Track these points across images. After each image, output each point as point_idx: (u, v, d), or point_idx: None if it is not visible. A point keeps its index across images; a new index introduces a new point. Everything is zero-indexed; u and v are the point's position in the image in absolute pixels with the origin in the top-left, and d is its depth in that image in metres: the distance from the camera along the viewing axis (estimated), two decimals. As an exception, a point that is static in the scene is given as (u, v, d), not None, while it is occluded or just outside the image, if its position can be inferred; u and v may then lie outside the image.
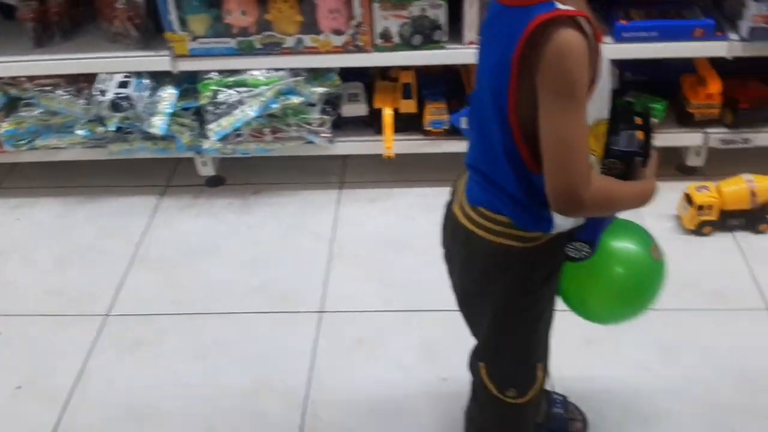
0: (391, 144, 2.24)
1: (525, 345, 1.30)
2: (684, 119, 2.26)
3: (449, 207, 1.26)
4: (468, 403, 1.45)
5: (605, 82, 1.05)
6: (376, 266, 2.10)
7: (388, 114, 2.24)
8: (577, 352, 1.80)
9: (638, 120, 1.16)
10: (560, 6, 0.96)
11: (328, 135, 2.26)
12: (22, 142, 2.27)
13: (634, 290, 1.31)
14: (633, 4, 2.12)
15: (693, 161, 2.32)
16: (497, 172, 1.10)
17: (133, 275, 2.13)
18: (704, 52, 2.07)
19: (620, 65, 2.32)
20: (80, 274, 2.14)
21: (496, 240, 1.16)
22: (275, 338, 1.90)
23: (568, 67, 0.96)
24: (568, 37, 0.95)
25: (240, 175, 2.47)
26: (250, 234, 2.27)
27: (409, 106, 2.25)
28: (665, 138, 2.23)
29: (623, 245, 1.28)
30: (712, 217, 2.11)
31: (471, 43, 2.07)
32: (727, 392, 1.70)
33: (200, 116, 2.23)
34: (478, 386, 1.36)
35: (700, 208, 2.09)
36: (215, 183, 2.46)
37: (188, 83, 2.21)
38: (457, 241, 1.22)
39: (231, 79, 2.14)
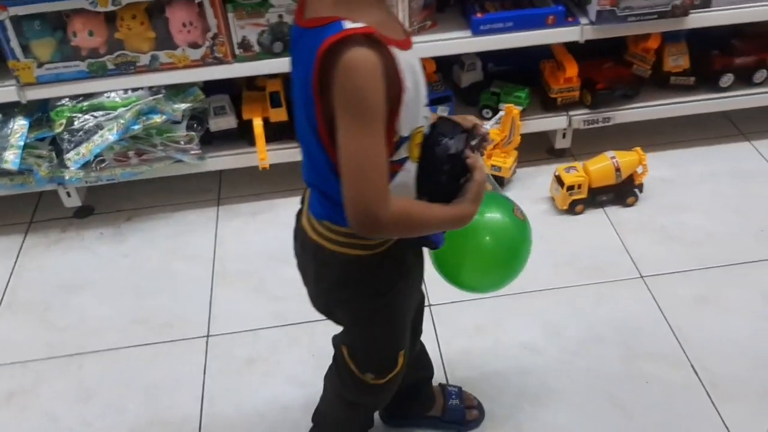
0: (264, 155, 2.19)
1: (385, 338, 1.31)
2: (547, 104, 2.34)
3: (299, 218, 1.25)
4: (329, 368, 1.44)
5: (417, 92, 1.04)
6: (261, 281, 2.05)
7: (258, 124, 2.19)
8: (468, 341, 1.82)
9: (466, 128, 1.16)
10: (349, 25, 0.95)
11: (197, 152, 2.19)
12: None
13: (506, 254, 1.37)
14: (487, -3, 2.17)
15: (560, 143, 2.41)
16: (328, 187, 1.09)
17: (1, 322, 1.98)
18: (558, 38, 2.15)
19: (483, 58, 2.38)
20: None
21: (344, 251, 1.16)
22: (162, 370, 1.82)
23: (358, 85, 0.95)
24: (356, 55, 0.94)
25: (110, 203, 2.35)
26: (126, 263, 2.16)
27: (279, 115, 2.21)
28: (533, 124, 2.30)
29: (487, 214, 1.33)
30: (582, 195, 2.19)
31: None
32: (612, 362, 1.77)
33: (57, 146, 2.10)
34: (339, 361, 1.37)
35: (570, 188, 2.17)
36: (84, 213, 2.33)
37: (41, 112, 2.08)
38: (308, 253, 1.22)
39: (86, 103, 2.03)
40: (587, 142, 2.41)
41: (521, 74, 2.37)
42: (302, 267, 1.29)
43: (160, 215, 2.32)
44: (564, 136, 2.39)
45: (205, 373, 1.80)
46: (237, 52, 2.02)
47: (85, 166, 2.06)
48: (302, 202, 1.25)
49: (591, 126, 2.35)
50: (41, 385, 1.81)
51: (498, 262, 1.37)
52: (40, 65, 1.96)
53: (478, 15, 2.09)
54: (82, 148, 2.01)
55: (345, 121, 0.98)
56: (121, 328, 1.94)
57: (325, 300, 1.29)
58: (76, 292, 2.06)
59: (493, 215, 1.36)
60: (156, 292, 2.04)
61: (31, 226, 2.30)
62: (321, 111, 1.00)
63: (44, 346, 1.91)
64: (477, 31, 2.10)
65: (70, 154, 2.02)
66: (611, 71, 2.31)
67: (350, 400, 1.41)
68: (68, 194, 2.25)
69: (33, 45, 1.93)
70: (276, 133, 2.24)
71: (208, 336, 1.89)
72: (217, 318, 1.95)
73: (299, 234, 1.25)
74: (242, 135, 2.26)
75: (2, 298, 2.06)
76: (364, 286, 1.20)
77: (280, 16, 1.97)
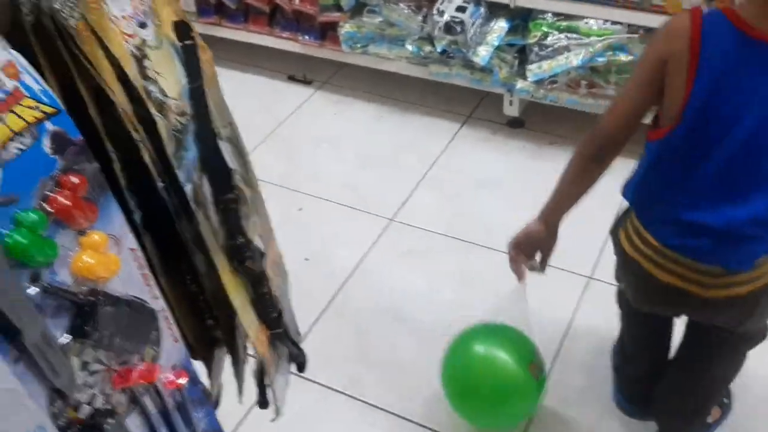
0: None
1: None
2: None
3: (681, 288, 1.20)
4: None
5: None
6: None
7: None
8: None
9: None
10: None
11: (647, 102, 2.14)
12: (358, 45, 2.46)
13: (501, 410, 1.45)
14: None
15: None
16: None
17: (420, 191, 2.25)
18: None
19: None
20: (376, 177, 2.31)
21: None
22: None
23: None
24: None
25: (541, 121, 2.46)
26: (537, 181, 2.25)
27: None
28: None
29: (499, 364, 1.41)
30: None
31: None
32: None
33: (522, 54, 2.23)
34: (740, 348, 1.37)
35: None
36: (515, 125, 2.47)
37: (521, 19, 2.22)
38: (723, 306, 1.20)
39: (564, 23, 2.10)
40: None
41: None
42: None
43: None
44: None
45: (577, 308, 1.84)
46: None
47: (540, 82, 2.16)
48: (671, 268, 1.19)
49: None
50: (432, 256, 2.03)
51: (490, 414, 1.45)
52: (541, -23, 2.07)
53: None
54: (545, 64, 2.11)
55: None
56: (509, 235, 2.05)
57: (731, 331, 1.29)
58: (485, 188, 2.24)
59: (505, 367, 1.39)
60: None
61: (469, 120, 2.53)
62: None
63: (445, 225, 2.13)
64: None
65: (533, 66, 2.13)
66: None
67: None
68: (510, 103, 2.40)
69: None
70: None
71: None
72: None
73: (694, 300, 1.21)
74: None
75: (427, 172, 2.32)
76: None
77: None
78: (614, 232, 1.30)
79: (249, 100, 2.65)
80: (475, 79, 2.34)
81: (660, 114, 1.11)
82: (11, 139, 0.61)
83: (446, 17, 2.18)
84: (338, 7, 2.44)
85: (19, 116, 0.61)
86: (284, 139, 2.50)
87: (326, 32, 2.54)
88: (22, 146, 0.62)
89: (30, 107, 0.62)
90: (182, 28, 0.80)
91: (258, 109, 2.60)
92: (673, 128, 1.06)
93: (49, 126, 0.64)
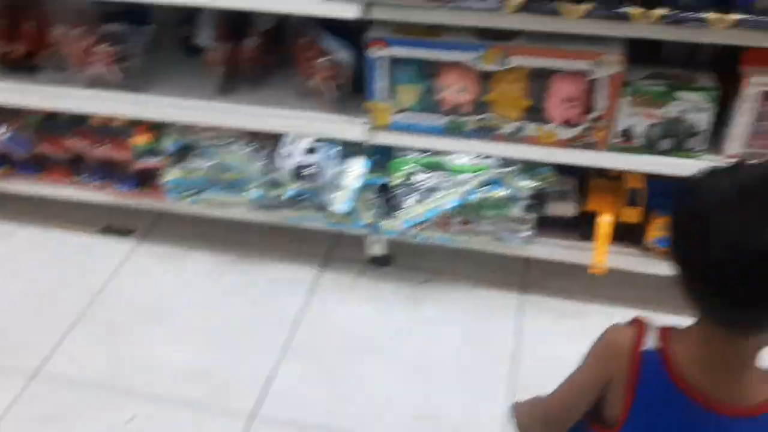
0: (603, 257, 1.88)
1: None
2: None
3: None
4: None
5: None
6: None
7: (605, 222, 1.87)
8: None
9: None
10: None
11: (528, 235, 1.92)
12: (187, 192, 2.05)
13: None
14: None
15: None
16: None
17: (287, 366, 1.86)
18: None
19: None
20: (226, 355, 1.88)
21: None
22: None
23: None
24: None
25: (409, 258, 2.16)
26: (421, 336, 1.95)
27: (632, 215, 1.89)
28: None
29: None
30: None
31: (733, 156, 1.69)
32: None
33: (383, 192, 1.94)
34: None
35: None
36: (382, 263, 2.17)
37: (379, 155, 1.93)
38: None
39: (430, 159, 1.84)
40: None
41: None
42: None
43: (457, 286, 2.09)
44: None
45: None
46: (615, 140, 1.72)
47: (413, 226, 1.88)
48: None
49: None
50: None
51: None
52: (399, 111, 1.80)
53: None
54: (417, 207, 1.83)
55: None
56: (399, 423, 1.72)
57: None
58: (364, 355, 1.89)
59: None
60: (446, 385, 1.80)
61: (328, 262, 2.18)
62: None
63: (325, 413, 1.74)
64: None
65: (403, 211, 1.84)
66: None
67: None
68: (375, 241, 2.10)
69: (399, 89, 1.77)
70: (619, 233, 1.91)
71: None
72: None
73: None
74: (577, 224, 1.96)
75: (290, 338, 1.93)
76: None
77: (683, 112, 1.64)
78: None
79: (53, 269, 2.13)
80: (333, 222, 2.01)
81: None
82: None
83: (294, 161, 1.84)
84: (156, 152, 2.02)
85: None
86: (103, 318, 2.00)
87: (145, 179, 2.10)
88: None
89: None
90: None
91: (65, 278, 2.09)
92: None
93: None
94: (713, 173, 0.93)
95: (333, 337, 1.94)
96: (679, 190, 0.96)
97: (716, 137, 1.70)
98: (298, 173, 1.84)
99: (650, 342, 0.98)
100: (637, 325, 1.01)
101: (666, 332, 0.99)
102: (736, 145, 1.68)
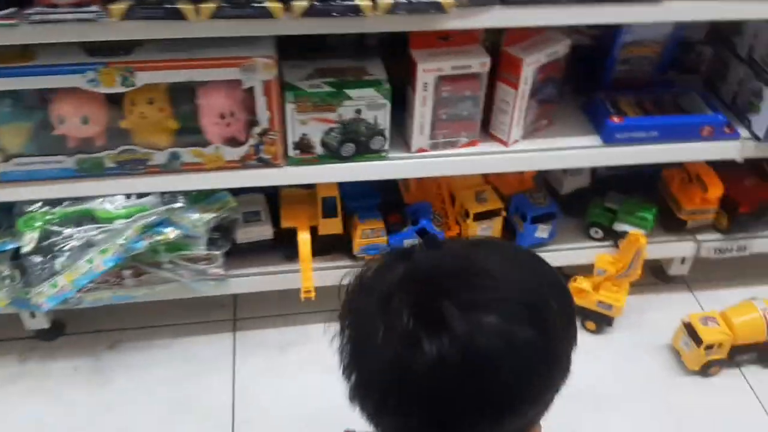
0: (310, 283, 1.62)
1: None
2: (672, 225, 1.82)
3: None
4: None
5: None
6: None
7: (304, 241, 1.61)
8: None
9: None
10: None
11: (219, 273, 1.60)
12: None
13: None
14: (618, 87, 1.65)
15: (676, 270, 1.90)
16: None
17: None
18: (712, 154, 1.63)
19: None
20: None
21: None
22: None
23: None
24: None
25: (86, 320, 1.74)
26: (115, 421, 1.57)
27: (332, 226, 1.65)
28: (651, 249, 1.78)
29: None
30: (722, 355, 1.68)
31: (421, 150, 1.50)
32: None
33: (18, 260, 1.49)
34: None
35: (709, 347, 1.66)
36: (51, 335, 1.72)
37: (3, 213, 1.47)
38: None
39: (68, 210, 1.43)
40: (708, 270, 1.91)
41: (636, 181, 1.84)
42: None
43: (154, 342, 1.73)
44: (683, 261, 1.88)
45: None
46: (292, 153, 1.44)
47: (63, 302, 1.45)
48: None
49: (722, 255, 1.84)
50: None
51: None
52: (7, 158, 1.35)
53: (615, 119, 1.55)
54: (61, 278, 1.41)
55: None
56: None
57: None
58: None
59: None
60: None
61: (-23, 350, 1.68)
62: None
63: None
64: (610, 140, 1.57)
65: (44, 286, 1.41)
66: (757, 191, 1.81)
67: None
68: (32, 315, 1.64)
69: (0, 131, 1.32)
70: (322, 247, 1.67)
71: None
72: None
73: None
74: (277, 245, 1.68)
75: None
76: None
77: (358, 111, 1.40)
78: None
79: None
80: (-39, 307, 1.52)
81: None
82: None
83: None
84: None
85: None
86: None
87: None
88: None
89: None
90: None
91: None
92: None
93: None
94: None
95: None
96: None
97: (403, 131, 1.50)
98: None
99: None
100: None
101: None
102: (423, 138, 1.49)
